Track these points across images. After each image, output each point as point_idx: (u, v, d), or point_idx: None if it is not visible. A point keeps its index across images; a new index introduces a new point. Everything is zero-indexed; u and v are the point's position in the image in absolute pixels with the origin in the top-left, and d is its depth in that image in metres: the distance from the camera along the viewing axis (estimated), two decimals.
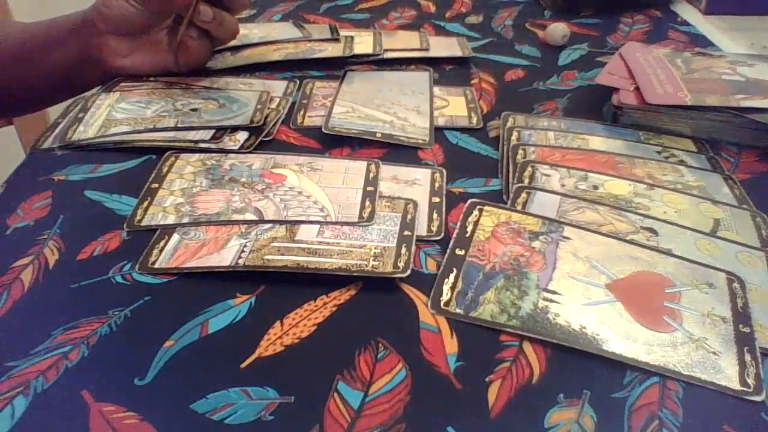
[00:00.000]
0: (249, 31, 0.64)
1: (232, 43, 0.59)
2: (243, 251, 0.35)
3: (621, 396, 0.29)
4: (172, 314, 0.32)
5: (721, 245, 0.37)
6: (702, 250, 0.37)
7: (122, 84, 0.52)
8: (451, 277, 0.34)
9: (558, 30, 0.64)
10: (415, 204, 0.40)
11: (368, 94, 0.54)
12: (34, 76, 0.54)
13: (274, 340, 0.31)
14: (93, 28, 0.51)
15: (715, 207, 0.40)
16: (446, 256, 0.36)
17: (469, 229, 0.37)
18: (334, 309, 0.33)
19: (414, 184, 0.42)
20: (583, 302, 0.33)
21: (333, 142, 0.47)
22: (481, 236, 0.37)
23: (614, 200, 0.40)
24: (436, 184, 0.42)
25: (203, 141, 0.46)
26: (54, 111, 0.56)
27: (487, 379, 0.29)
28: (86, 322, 0.32)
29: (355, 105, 0.52)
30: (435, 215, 0.39)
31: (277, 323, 0.32)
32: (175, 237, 0.37)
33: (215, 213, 0.39)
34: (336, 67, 0.59)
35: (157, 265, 0.35)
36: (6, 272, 0.35)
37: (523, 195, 0.40)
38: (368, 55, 0.61)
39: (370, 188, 0.41)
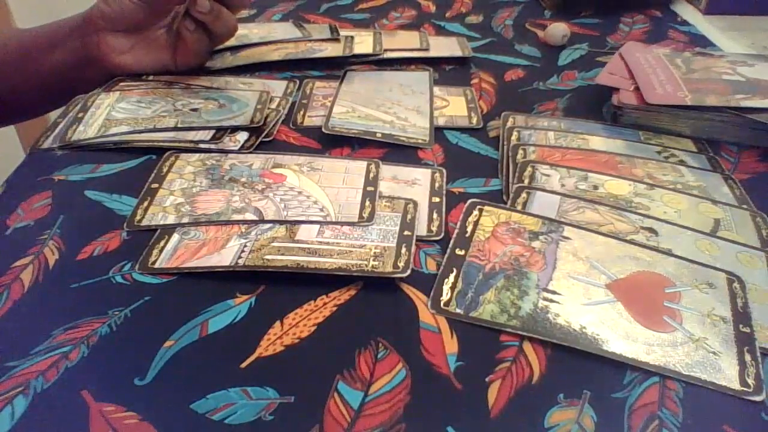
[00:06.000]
0: (249, 31, 0.64)
1: (232, 42, 0.59)
2: (243, 251, 0.35)
3: (621, 396, 0.29)
4: (172, 314, 0.32)
5: (721, 245, 0.37)
6: (702, 250, 0.37)
7: (122, 84, 0.52)
8: (451, 277, 0.34)
9: (558, 30, 0.64)
10: (415, 204, 0.40)
11: (368, 94, 0.54)
12: (35, 79, 0.54)
13: (274, 340, 0.31)
14: (92, 26, 0.51)
15: (715, 207, 0.40)
16: (446, 256, 0.36)
17: (469, 229, 0.37)
18: (334, 309, 0.33)
19: (414, 184, 0.42)
20: (583, 302, 0.33)
21: (333, 142, 0.47)
22: (481, 236, 0.37)
23: (614, 200, 0.40)
24: (436, 184, 0.42)
25: (203, 141, 0.46)
26: (54, 111, 0.56)
27: (487, 379, 0.29)
28: (86, 322, 0.32)
29: (355, 105, 0.52)
30: (435, 215, 0.39)
31: (277, 323, 0.32)
32: (175, 237, 0.37)
33: (215, 213, 0.39)
34: (336, 67, 0.59)
35: (157, 265, 0.35)
36: (6, 272, 0.35)
37: (523, 195, 0.40)
38: (368, 55, 0.61)
39: (370, 188, 0.41)
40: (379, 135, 0.47)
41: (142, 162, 0.44)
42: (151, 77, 0.54)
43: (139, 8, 0.50)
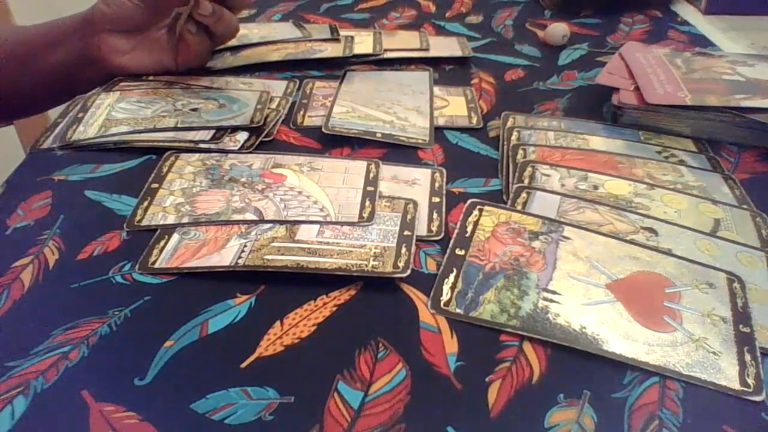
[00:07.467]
0: (249, 31, 0.64)
1: (232, 43, 0.59)
2: (243, 251, 0.35)
3: (621, 396, 0.29)
4: (172, 314, 0.32)
5: (721, 245, 0.37)
6: (702, 250, 0.37)
7: (122, 84, 0.52)
8: (451, 277, 0.34)
9: (558, 30, 0.64)
10: (415, 204, 0.40)
11: (368, 94, 0.54)
12: (35, 78, 0.54)
13: (274, 340, 0.31)
14: (93, 26, 0.51)
15: (715, 207, 0.40)
16: (446, 256, 0.36)
17: (469, 229, 0.37)
18: (334, 309, 0.33)
19: (414, 184, 0.42)
20: (583, 302, 0.33)
21: (333, 142, 0.47)
22: (481, 236, 0.37)
23: (614, 200, 0.40)
24: (436, 184, 0.42)
25: (203, 141, 0.46)
26: (54, 111, 0.56)
27: (487, 379, 0.29)
28: (86, 322, 0.32)
29: (355, 105, 0.52)
30: (435, 215, 0.39)
31: (277, 323, 0.32)
32: (175, 237, 0.37)
33: (215, 213, 0.39)
34: (336, 67, 0.59)
35: (157, 265, 0.35)
36: (6, 272, 0.35)
37: (523, 195, 0.40)
38: (368, 55, 0.61)
39: (370, 188, 0.41)
40: (379, 135, 0.47)
41: (142, 162, 0.44)
42: (151, 77, 0.54)
43: (139, 9, 0.50)
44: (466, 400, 0.28)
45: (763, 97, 0.47)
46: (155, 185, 0.41)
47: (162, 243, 0.36)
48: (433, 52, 0.62)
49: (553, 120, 0.51)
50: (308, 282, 0.34)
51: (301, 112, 0.52)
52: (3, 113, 0.61)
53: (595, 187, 0.42)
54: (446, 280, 0.34)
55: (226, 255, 0.35)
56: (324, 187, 0.41)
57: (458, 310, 0.32)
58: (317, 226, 0.38)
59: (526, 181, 0.42)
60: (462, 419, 0.27)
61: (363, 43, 0.63)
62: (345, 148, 0.47)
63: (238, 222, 0.38)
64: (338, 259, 0.35)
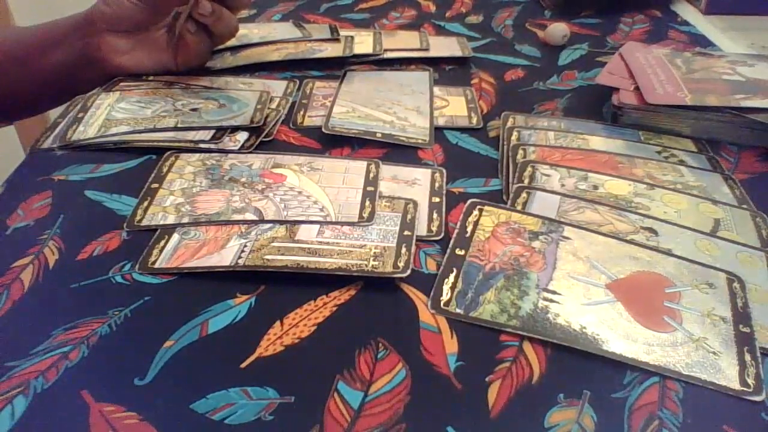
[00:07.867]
0: (249, 31, 0.64)
1: (232, 42, 0.59)
2: (243, 251, 0.35)
3: (621, 396, 0.29)
4: (172, 314, 0.32)
5: (721, 245, 0.37)
6: (702, 250, 0.37)
7: (122, 84, 0.52)
8: (451, 277, 0.34)
9: (558, 30, 0.64)
10: (415, 204, 0.40)
11: (368, 94, 0.54)
12: (35, 78, 0.54)
13: (274, 340, 0.31)
14: (93, 26, 0.51)
15: (715, 207, 0.40)
16: (446, 256, 0.36)
17: (469, 229, 0.37)
18: (334, 309, 0.33)
19: (414, 184, 0.42)
20: (583, 302, 0.33)
21: (333, 142, 0.47)
22: (481, 236, 0.37)
23: (614, 200, 0.40)
24: (436, 184, 0.42)
25: (203, 141, 0.46)
26: (54, 111, 0.56)
27: (487, 379, 0.29)
28: (86, 322, 0.32)
29: (355, 105, 0.52)
30: (435, 215, 0.39)
31: (277, 323, 0.32)
32: (175, 237, 0.37)
33: (215, 213, 0.39)
34: (336, 67, 0.59)
35: (157, 265, 0.35)
36: (6, 272, 0.35)
37: (523, 195, 0.40)
38: (368, 55, 0.61)
39: (370, 188, 0.41)
40: (379, 135, 0.47)
41: (142, 162, 0.44)
42: (151, 77, 0.54)
43: (139, 8, 0.50)
44: (466, 400, 0.28)
45: (763, 97, 0.47)
46: (155, 185, 0.41)
47: (162, 243, 0.36)
48: (433, 52, 0.62)
49: (553, 120, 0.51)
50: (308, 282, 0.34)
51: (301, 112, 0.52)
52: (3, 113, 0.61)
53: (595, 187, 0.42)
54: (446, 280, 0.34)
55: (226, 255, 0.35)
56: (324, 187, 0.41)
57: (458, 310, 0.32)
58: (317, 226, 0.38)
59: (526, 181, 0.42)
60: (462, 419, 0.27)
61: (363, 43, 0.63)
62: (345, 148, 0.47)
63: (238, 222, 0.38)
64: (338, 259, 0.35)
